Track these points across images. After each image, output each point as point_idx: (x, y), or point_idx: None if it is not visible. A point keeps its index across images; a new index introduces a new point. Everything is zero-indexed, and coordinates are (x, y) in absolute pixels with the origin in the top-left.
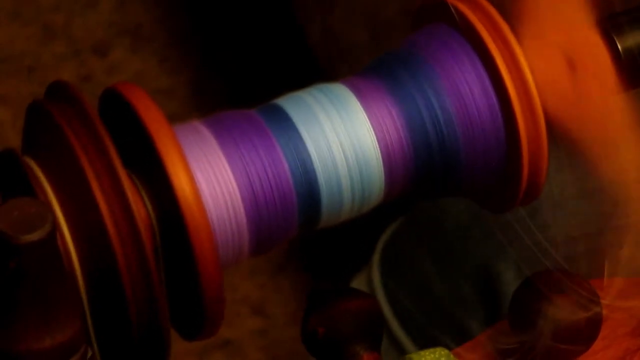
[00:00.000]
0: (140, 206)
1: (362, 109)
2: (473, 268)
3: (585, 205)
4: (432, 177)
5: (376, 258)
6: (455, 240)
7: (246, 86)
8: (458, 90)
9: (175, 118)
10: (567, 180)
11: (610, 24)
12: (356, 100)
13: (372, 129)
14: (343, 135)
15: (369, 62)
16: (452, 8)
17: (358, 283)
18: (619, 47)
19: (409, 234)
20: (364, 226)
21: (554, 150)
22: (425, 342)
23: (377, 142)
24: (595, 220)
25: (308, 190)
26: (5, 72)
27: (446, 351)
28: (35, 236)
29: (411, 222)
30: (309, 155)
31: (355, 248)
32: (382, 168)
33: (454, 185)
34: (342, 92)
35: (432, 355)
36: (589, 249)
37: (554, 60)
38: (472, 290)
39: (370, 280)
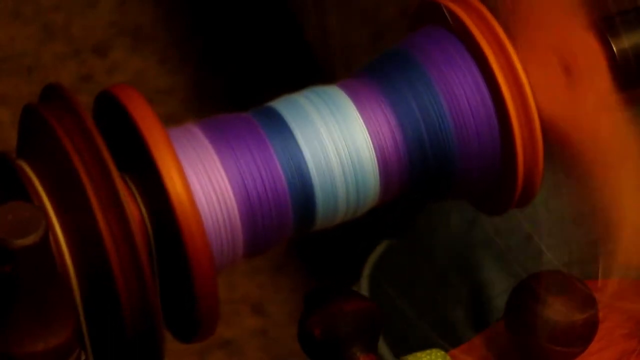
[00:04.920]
0: (134, 209)
1: (357, 111)
2: (465, 292)
3: (578, 231)
4: (427, 179)
5: (364, 283)
6: (447, 263)
7: (246, 86)
8: (453, 92)
9: (174, 118)
10: (561, 205)
11: (605, 26)
12: (351, 103)
13: (367, 131)
14: (338, 137)
15: (365, 64)
16: (446, 10)
17: None
18: (614, 48)
19: (399, 256)
20: (365, 226)
21: (548, 175)
22: None
23: (372, 145)
24: (588, 246)
25: (302, 193)
26: (5, 72)
27: (442, 352)
28: (28, 240)
29: (401, 244)
30: (303, 158)
31: (355, 247)
32: (377, 170)
33: (449, 187)
34: (337, 95)
35: (429, 357)
36: (582, 274)
37: (548, 62)
38: (463, 314)
39: None
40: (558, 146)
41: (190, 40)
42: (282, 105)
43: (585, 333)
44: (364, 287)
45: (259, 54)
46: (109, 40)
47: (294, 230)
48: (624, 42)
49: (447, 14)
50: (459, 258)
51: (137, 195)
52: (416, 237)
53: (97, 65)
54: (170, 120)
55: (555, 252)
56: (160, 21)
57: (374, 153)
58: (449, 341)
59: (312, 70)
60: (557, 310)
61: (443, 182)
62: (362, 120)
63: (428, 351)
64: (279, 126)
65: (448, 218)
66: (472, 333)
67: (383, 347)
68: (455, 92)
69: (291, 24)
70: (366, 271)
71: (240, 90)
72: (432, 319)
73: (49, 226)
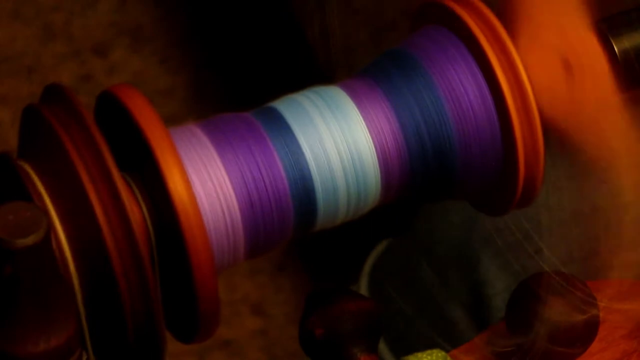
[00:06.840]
0: (135, 209)
1: (358, 111)
2: (464, 290)
3: (578, 228)
4: (427, 178)
5: (364, 281)
6: (447, 261)
7: (246, 86)
8: (454, 92)
9: (174, 118)
10: (561, 203)
11: (606, 26)
12: (352, 103)
13: (368, 132)
14: (339, 138)
15: (366, 65)
16: (448, 10)
17: None
18: (616, 48)
19: (398, 254)
20: (364, 227)
21: (548, 172)
22: None
23: (373, 145)
24: (588, 243)
25: (304, 193)
26: (5, 72)
27: (443, 353)
28: (29, 240)
29: (400, 242)
30: (304, 159)
31: (354, 249)
32: (378, 171)
33: (450, 187)
34: (338, 95)
35: (429, 357)
36: (582, 272)
37: (550, 62)
38: (463, 312)
39: None
40: (559, 146)
41: (190, 40)
42: (283, 105)
43: (586, 333)
44: (363, 285)
45: (259, 54)
46: (109, 40)
47: (295, 230)
48: (625, 42)
49: (448, 14)
50: (458, 256)
51: (138, 195)
52: (416, 235)
53: (97, 65)
54: (170, 120)
55: (555, 250)
56: (160, 21)
57: (374, 153)
58: (448, 339)
59: (313, 71)
60: (558, 311)
61: (444, 181)
62: (363, 120)
63: (429, 351)
64: (280, 126)
65: (448, 216)
66: (471, 331)
67: (382, 346)
68: (456, 91)
69: (292, 24)
70: (366, 269)
71: (240, 90)
72: (431, 316)
73: (50, 226)
